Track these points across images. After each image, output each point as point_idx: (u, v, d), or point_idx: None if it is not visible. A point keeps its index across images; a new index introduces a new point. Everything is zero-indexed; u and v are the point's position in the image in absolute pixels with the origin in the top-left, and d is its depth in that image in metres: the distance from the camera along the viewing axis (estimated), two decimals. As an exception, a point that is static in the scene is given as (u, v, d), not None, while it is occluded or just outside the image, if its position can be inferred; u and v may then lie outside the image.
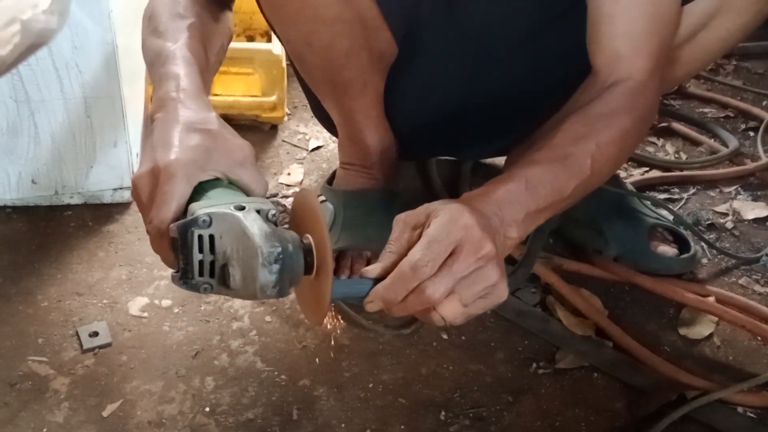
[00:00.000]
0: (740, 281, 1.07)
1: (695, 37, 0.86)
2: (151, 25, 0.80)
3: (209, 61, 0.80)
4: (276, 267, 0.57)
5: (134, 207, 1.15)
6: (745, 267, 1.10)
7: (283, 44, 0.97)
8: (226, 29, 0.90)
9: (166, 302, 0.97)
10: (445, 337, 0.95)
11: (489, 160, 1.31)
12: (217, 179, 0.65)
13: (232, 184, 0.66)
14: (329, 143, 1.34)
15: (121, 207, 1.14)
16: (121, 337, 0.92)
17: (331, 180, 1.11)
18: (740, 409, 0.86)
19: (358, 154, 1.06)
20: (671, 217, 1.11)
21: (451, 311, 0.61)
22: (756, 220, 1.20)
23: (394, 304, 0.61)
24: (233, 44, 0.99)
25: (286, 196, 1.18)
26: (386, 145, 1.06)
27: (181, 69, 0.72)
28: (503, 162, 1.20)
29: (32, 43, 0.68)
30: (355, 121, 1.04)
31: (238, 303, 0.98)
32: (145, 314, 0.95)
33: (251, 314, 0.96)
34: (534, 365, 0.92)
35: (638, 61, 0.77)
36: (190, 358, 0.89)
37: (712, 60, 0.93)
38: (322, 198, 1.08)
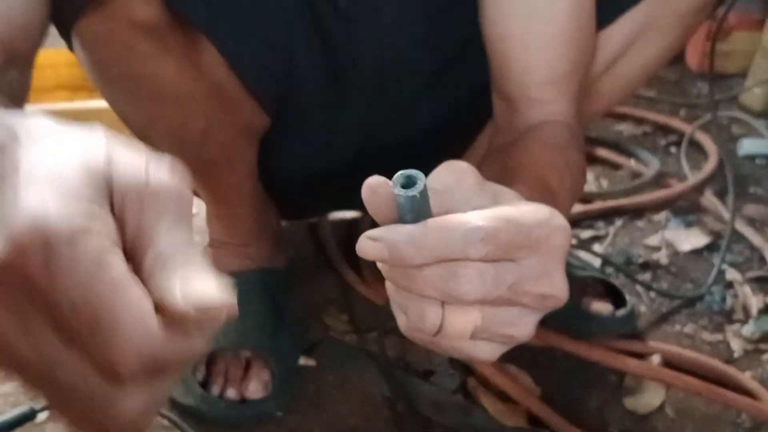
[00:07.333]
0: (686, 329, 0.93)
1: (614, 67, 0.71)
2: None
3: None
4: None
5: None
6: (689, 310, 0.96)
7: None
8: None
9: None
10: (348, 449, 0.77)
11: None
12: None
13: None
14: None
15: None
16: None
17: (198, 261, 0.91)
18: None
19: (229, 231, 0.87)
20: (598, 263, 0.97)
21: (464, 325, 0.36)
22: (693, 252, 1.07)
23: (403, 263, 0.35)
24: (68, 105, 0.80)
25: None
26: (263, 218, 0.88)
27: None
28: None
29: None
30: (222, 198, 0.85)
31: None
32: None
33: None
34: (459, 475, 0.74)
35: (561, 103, 0.64)
36: None
37: (633, 90, 0.79)
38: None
